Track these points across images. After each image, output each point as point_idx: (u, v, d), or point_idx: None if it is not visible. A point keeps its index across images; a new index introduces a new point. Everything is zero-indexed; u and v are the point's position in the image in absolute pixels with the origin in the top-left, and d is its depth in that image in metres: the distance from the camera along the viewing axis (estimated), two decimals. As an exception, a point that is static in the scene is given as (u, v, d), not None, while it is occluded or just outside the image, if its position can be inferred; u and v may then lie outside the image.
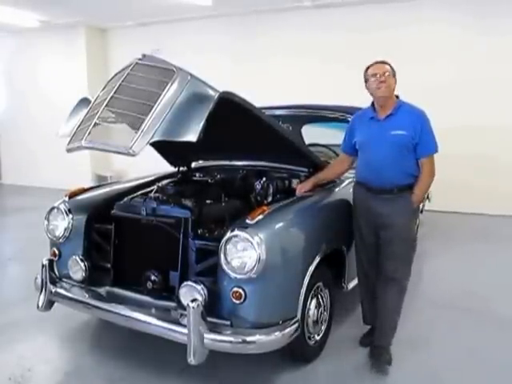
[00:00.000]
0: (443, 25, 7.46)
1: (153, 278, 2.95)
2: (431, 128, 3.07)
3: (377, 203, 3.10)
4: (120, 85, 2.64)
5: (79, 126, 2.71)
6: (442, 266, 5.14)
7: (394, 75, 3.07)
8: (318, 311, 3.10)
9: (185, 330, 2.54)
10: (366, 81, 3.11)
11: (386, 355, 3.11)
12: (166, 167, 4.26)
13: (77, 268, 3.17)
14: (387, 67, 3.05)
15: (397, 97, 3.13)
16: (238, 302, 2.62)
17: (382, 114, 3.10)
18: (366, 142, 3.17)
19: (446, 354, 3.31)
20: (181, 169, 4.20)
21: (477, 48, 7.30)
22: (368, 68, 3.12)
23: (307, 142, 4.61)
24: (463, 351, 3.36)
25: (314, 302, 3.05)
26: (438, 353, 3.31)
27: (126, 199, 3.34)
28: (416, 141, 3.00)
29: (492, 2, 7.14)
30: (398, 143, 3.01)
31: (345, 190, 3.64)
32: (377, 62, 3.10)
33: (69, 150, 2.73)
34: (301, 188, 3.41)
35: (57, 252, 3.32)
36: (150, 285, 2.95)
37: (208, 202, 3.21)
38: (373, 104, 3.17)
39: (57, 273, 3.25)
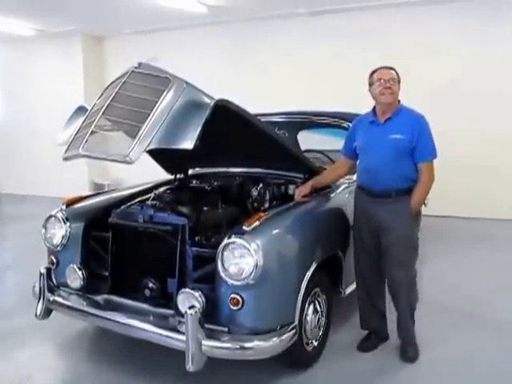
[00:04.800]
0: (443, 30, 7.54)
1: (150, 285, 2.95)
2: (430, 133, 3.08)
3: (376, 207, 3.12)
4: (116, 93, 2.66)
5: (76, 134, 2.72)
6: (442, 270, 5.14)
7: (399, 82, 3.09)
8: (315, 317, 3.11)
9: (183, 337, 2.54)
10: (371, 85, 3.13)
11: (411, 351, 3.24)
12: (162, 174, 4.26)
13: (74, 276, 3.17)
14: (393, 73, 3.07)
15: (398, 101, 3.15)
16: (235, 308, 2.62)
17: (382, 118, 3.12)
18: (365, 145, 3.19)
19: (446, 357, 3.31)
20: (178, 176, 4.21)
21: (477, 54, 7.39)
22: (374, 72, 3.13)
23: (303, 148, 4.62)
24: (463, 355, 3.36)
25: (311, 307, 3.06)
26: (438, 356, 3.31)
27: (123, 207, 3.35)
28: (413, 145, 3.01)
29: (495, 9, 7.22)
30: (396, 147, 3.03)
31: (341, 196, 3.66)
32: (383, 67, 3.12)
33: (66, 159, 2.74)
34: (299, 192, 3.39)
35: (54, 260, 3.32)
36: (147, 292, 2.95)
37: (205, 208, 3.22)
38: (374, 108, 3.19)
39: (55, 281, 3.26)
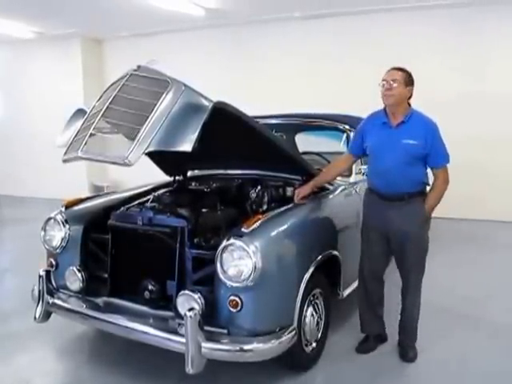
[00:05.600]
0: (441, 34, 7.58)
1: (150, 287, 2.95)
2: (442, 138, 3.07)
3: (389, 210, 3.10)
4: (115, 95, 2.67)
5: (75, 137, 2.73)
6: (436, 271, 5.11)
7: (408, 84, 3.04)
8: (314, 318, 3.11)
9: (182, 340, 2.55)
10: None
11: (411, 352, 3.27)
12: (161, 177, 4.27)
13: (74, 278, 3.17)
14: (398, 75, 3.03)
15: (408, 105, 3.12)
16: (234, 310, 2.63)
17: (394, 121, 3.09)
18: (377, 148, 3.16)
19: (442, 358, 3.32)
20: (177, 178, 4.21)
21: (469, 61, 7.43)
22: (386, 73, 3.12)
23: (301, 150, 4.63)
24: (459, 356, 3.37)
25: (310, 309, 3.06)
26: (434, 357, 3.32)
27: (122, 209, 3.34)
28: (427, 151, 3.01)
29: (496, 13, 7.24)
30: (410, 152, 3.01)
31: (339, 198, 3.68)
32: (392, 68, 3.09)
33: (65, 161, 2.75)
34: (299, 192, 3.38)
35: (54, 262, 3.32)
36: (147, 294, 2.95)
37: (204, 210, 3.23)
38: (385, 108, 3.16)
39: (54, 283, 3.26)
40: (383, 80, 3.05)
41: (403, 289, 3.29)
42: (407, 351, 3.28)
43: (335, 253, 3.34)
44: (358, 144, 3.30)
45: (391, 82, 3.01)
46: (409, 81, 3.06)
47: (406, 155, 3.02)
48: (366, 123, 3.32)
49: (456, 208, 7.34)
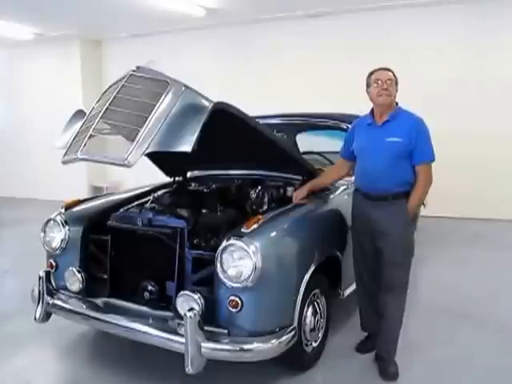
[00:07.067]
0: (436, 33, 7.58)
1: (150, 288, 2.96)
2: (428, 136, 3.05)
3: (373, 210, 3.10)
4: (115, 96, 2.66)
5: (75, 138, 2.73)
6: (439, 271, 5.16)
7: (397, 83, 3.07)
8: (314, 318, 3.11)
9: (182, 340, 2.55)
10: (368, 85, 3.10)
11: (392, 368, 3.10)
12: (161, 177, 4.27)
13: (74, 279, 3.17)
14: (390, 75, 3.04)
15: (396, 103, 3.12)
16: (234, 310, 2.63)
17: (379, 120, 3.09)
18: (362, 148, 3.17)
19: (446, 357, 3.32)
20: (176, 179, 4.21)
21: (466, 58, 7.44)
22: (372, 73, 3.10)
23: (302, 150, 4.63)
24: (463, 355, 3.37)
25: (310, 309, 3.06)
26: (438, 356, 3.32)
27: (121, 210, 3.35)
28: (411, 148, 2.99)
29: (494, 12, 7.25)
30: (393, 150, 3.00)
31: (339, 198, 3.67)
32: (381, 69, 3.08)
33: (64, 162, 2.75)
34: (297, 195, 3.39)
35: (53, 263, 3.32)
36: (147, 295, 2.97)
37: (204, 211, 3.23)
38: (372, 111, 3.16)
39: (54, 284, 3.26)
40: (378, 80, 3.03)
41: (384, 290, 3.14)
42: (388, 366, 3.10)
43: (336, 252, 3.35)
44: (347, 147, 3.32)
45: (388, 82, 3.01)
46: (397, 80, 3.08)
47: (390, 154, 3.01)
48: (353, 126, 3.34)
49: (463, 207, 7.38)
